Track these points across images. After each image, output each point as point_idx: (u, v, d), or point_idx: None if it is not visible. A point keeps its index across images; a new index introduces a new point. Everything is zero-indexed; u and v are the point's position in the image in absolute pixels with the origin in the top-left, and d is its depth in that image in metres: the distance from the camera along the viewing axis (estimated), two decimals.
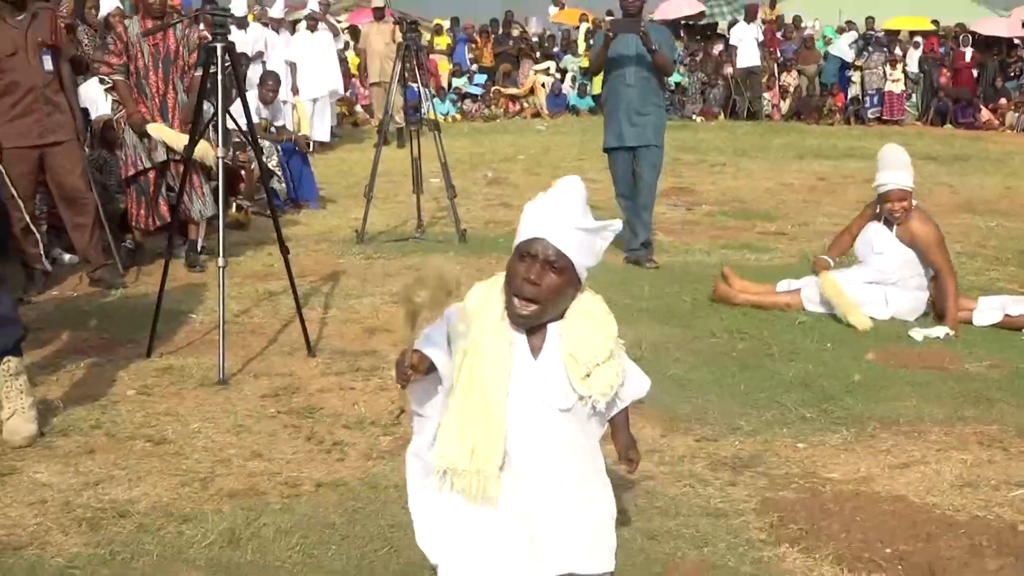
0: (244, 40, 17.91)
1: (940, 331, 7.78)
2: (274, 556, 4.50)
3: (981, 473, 5.40)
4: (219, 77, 6.94)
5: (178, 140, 9.17)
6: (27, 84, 8.40)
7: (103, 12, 13.56)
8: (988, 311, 8.14)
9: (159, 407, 6.23)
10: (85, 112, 10.23)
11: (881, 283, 8.22)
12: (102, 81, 11.27)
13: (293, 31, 20.10)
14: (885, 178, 8.09)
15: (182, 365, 6.98)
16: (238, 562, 4.45)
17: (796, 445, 5.75)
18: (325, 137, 19.29)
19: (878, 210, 8.26)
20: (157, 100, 9.41)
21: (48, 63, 8.54)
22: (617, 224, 3.33)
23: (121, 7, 14.58)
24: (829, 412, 6.24)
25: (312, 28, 19.34)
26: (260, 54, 18.17)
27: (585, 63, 25.01)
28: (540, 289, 3.18)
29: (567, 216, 3.21)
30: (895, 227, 8.15)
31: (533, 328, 3.26)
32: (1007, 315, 8.04)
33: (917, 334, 7.78)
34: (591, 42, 10.51)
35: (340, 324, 7.98)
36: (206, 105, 7.51)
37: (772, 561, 4.52)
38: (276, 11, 20.17)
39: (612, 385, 3.28)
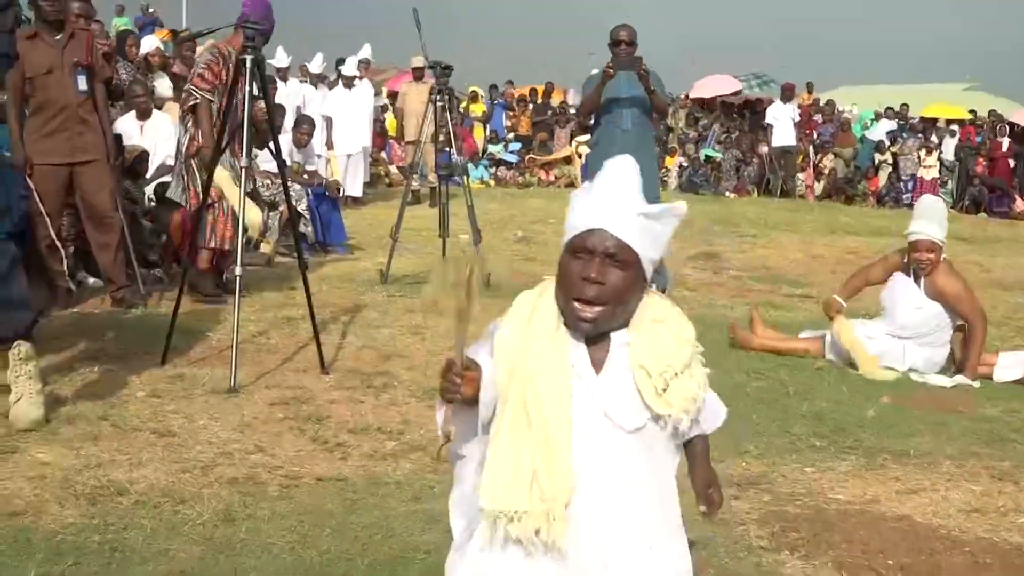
0: (283, 93, 18.17)
1: (959, 379, 7.73)
2: (268, 536, 4.51)
3: (990, 501, 5.36)
4: (247, 90, 7.04)
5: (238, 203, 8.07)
6: (61, 102, 8.53)
7: (143, 51, 13.79)
8: (1009, 367, 8.05)
9: (168, 407, 6.26)
10: (118, 138, 10.33)
11: (902, 337, 8.15)
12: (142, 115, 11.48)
13: (331, 87, 20.35)
14: (917, 227, 8.04)
15: (194, 374, 7.00)
16: (231, 539, 4.46)
17: (804, 469, 5.70)
18: (357, 192, 19.41)
19: (905, 260, 8.20)
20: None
21: (83, 83, 8.67)
22: (681, 207, 2.87)
23: (161, 48, 14.81)
24: (840, 443, 6.20)
25: (348, 85, 19.56)
26: (298, 108, 18.38)
27: None
28: (604, 288, 2.73)
29: (625, 201, 2.80)
30: (922, 280, 8.09)
31: (593, 339, 2.81)
32: None
33: (934, 379, 7.73)
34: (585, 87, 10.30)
35: (357, 349, 7.99)
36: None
37: (771, 566, 4.48)
38: (315, 66, 20.42)
39: (695, 399, 2.80)
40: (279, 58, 19.43)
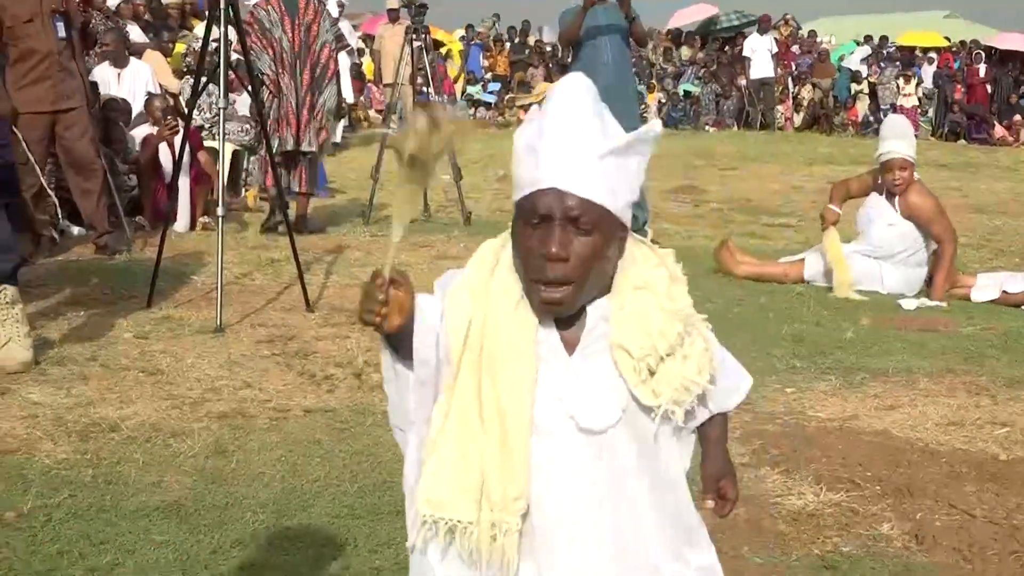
0: None
1: (924, 301, 7.84)
2: (259, 466, 4.59)
3: (966, 415, 5.46)
4: (223, 29, 7.07)
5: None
6: (43, 50, 8.48)
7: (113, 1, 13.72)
8: (986, 288, 8.17)
9: (155, 347, 6.31)
10: (94, 86, 10.30)
11: (878, 257, 8.25)
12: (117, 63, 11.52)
13: None
14: (887, 147, 8.15)
15: (181, 316, 7.05)
16: (222, 470, 4.54)
17: (785, 390, 5.80)
18: (336, 138, 19.32)
19: (879, 181, 8.29)
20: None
21: (61, 30, 8.65)
22: (655, 127, 2.22)
23: None
24: (819, 364, 6.30)
25: None
26: None
27: None
28: (569, 264, 2.10)
29: (582, 140, 2.12)
30: (896, 199, 8.18)
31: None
32: (1004, 292, 8.06)
33: (908, 303, 7.83)
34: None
35: (341, 287, 8.03)
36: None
37: (753, 481, 4.56)
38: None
39: (690, 385, 2.17)
40: None
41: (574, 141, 2.11)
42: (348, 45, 9.21)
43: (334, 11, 19.08)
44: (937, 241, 8.13)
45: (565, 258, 2.08)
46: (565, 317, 2.17)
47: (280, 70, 9.55)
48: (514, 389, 2.13)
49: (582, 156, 2.10)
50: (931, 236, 8.17)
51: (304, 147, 9.75)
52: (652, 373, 2.14)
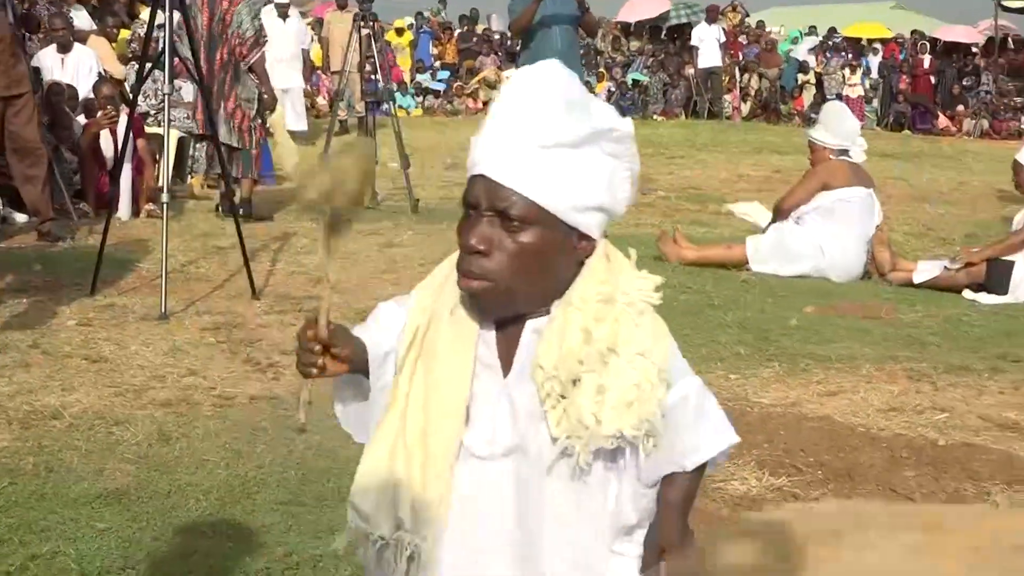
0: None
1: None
2: (203, 453, 4.56)
3: (907, 401, 5.51)
4: (168, 17, 7.03)
5: None
6: None
7: None
8: (926, 271, 8.28)
9: (98, 334, 6.26)
10: (36, 71, 10.21)
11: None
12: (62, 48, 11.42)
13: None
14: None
15: (125, 303, 6.99)
16: (166, 457, 4.51)
17: (728, 376, 5.82)
18: (303, 127, 18.80)
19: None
20: None
21: (10, 15, 8.59)
22: (619, 124, 2.01)
23: None
24: (763, 350, 6.33)
25: (283, 16, 19.20)
26: None
27: None
28: (491, 261, 1.92)
29: (525, 128, 1.92)
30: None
31: (505, 324, 2.01)
32: (945, 268, 8.18)
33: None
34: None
35: (287, 275, 8.01)
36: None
37: None
38: None
39: (587, 422, 1.90)
40: None
41: (515, 128, 1.92)
42: (266, 40, 9.28)
43: None
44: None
45: (484, 252, 1.91)
46: (505, 326, 2.00)
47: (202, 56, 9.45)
48: (443, 400, 1.98)
49: (520, 144, 1.91)
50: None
51: (223, 138, 9.54)
52: (563, 396, 1.91)
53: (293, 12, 19.52)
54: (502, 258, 1.91)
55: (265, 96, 10.09)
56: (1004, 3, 26.36)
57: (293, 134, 17.82)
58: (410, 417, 1.97)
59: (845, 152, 8.61)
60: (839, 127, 8.67)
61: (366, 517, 2.01)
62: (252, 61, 9.79)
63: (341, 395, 2.13)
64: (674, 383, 1.98)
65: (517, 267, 1.91)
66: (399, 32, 28.01)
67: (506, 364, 1.99)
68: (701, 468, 2.02)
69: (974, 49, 28.78)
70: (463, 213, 1.96)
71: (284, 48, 18.61)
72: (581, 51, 9.93)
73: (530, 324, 1.98)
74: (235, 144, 9.87)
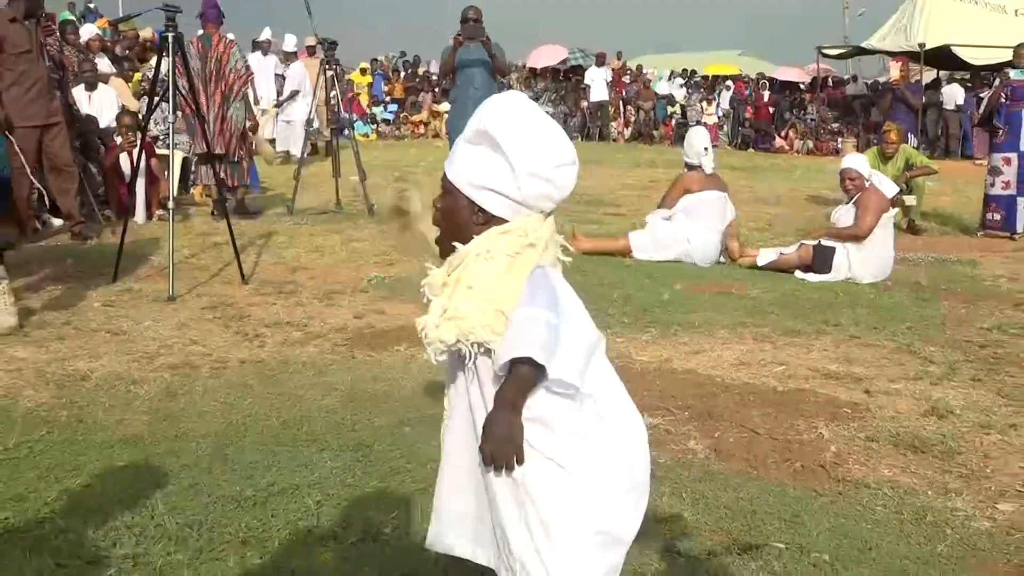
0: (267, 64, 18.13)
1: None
2: (203, 406, 4.48)
3: (753, 357, 5.53)
4: (171, 60, 6.86)
5: None
6: (35, 75, 8.23)
7: (84, 38, 13.26)
8: (767, 255, 8.33)
9: (119, 313, 6.13)
10: (69, 106, 9.95)
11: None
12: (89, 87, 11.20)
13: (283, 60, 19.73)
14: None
15: (140, 288, 6.86)
16: (173, 409, 4.42)
17: (616, 339, 5.80)
18: (297, 151, 18.41)
19: None
20: None
21: (46, 60, 8.41)
22: (476, 123, 2.24)
23: (100, 34, 14.25)
24: (642, 319, 6.34)
25: (286, 63, 18.91)
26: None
27: None
28: (438, 212, 2.27)
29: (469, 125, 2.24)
30: None
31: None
32: (781, 253, 8.22)
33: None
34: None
35: (270, 265, 7.88)
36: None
37: None
38: (288, 45, 19.72)
39: (424, 327, 2.21)
40: (264, 34, 19.45)
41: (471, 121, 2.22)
42: (252, 74, 9.67)
43: (291, 47, 18.75)
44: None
45: (439, 207, 2.26)
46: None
47: (200, 92, 9.48)
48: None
49: (458, 143, 2.25)
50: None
51: (217, 151, 9.65)
52: (445, 310, 2.18)
53: (270, 59, 19.33)
54: (440, 212, 2.27)
55: (249, 121, 10.20)
56: (824, 51, 26.53)
57: (272, 142, 17.68)
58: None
59: (699, 166, 8.69)
60: (690, 148, 8.83)
61: None
62: (244, 92, 10.02)
63: None
64: (512, 311, 2.12)
65: (444, 218, 2.26)
66: (363, 72, 27.72)
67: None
68: (519, 369, 2.11)
69: (802, 86, 29.05)
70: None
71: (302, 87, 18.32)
72: (498, 88, 9.83)
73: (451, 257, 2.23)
74: (233, 159, 10.02)
